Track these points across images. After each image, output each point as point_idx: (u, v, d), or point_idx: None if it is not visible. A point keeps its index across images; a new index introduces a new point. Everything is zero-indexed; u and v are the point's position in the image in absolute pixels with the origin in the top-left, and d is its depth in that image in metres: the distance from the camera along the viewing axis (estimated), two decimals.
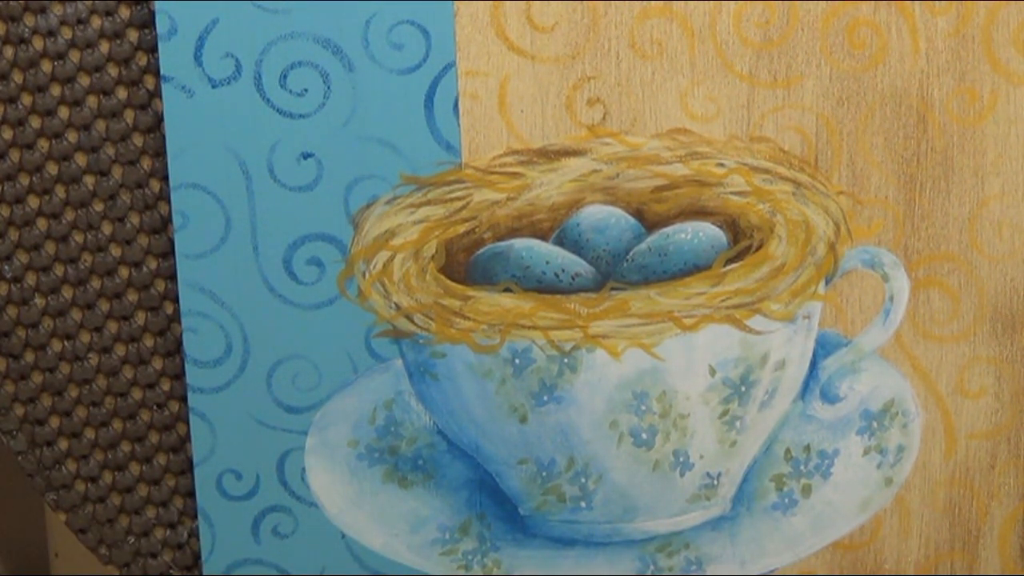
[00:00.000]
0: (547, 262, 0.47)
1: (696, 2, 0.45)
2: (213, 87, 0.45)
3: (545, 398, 0.47)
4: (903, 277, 0.47)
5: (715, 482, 0.49)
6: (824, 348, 0.48)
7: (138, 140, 0.47)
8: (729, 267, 0.46)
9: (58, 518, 0.50)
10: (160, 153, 0.47)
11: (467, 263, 0.47)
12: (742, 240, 0.47)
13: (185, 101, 0.45)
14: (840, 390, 0.48)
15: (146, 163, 0.47)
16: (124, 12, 0.46)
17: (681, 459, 0.48)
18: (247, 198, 0.46)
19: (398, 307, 0.47)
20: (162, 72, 0.45)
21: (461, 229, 0.46)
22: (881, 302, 0.48)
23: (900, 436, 0.49)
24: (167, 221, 0.47)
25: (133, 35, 0.46)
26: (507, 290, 0.47)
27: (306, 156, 0.46)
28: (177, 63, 0.45)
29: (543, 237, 0.47)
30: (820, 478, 0.49)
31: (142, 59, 0.46)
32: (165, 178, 0.47)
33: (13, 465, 0.49)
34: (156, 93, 0.46)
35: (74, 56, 0.46)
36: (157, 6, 0.45)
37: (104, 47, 0.46)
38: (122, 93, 0.46)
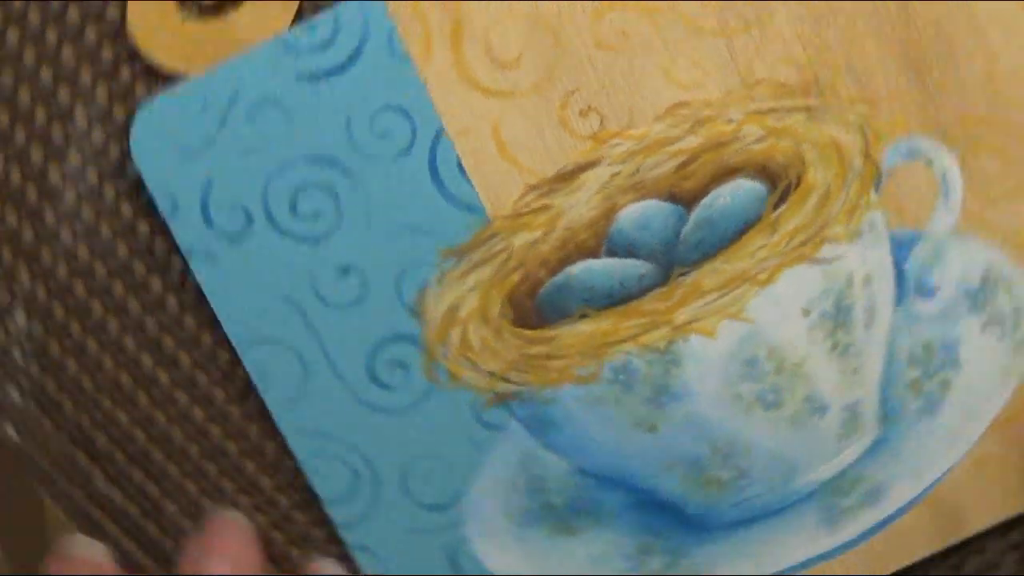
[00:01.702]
0: (608, 276, 0.47)
1: None
2: (232, 243, 0.46)
3: (663, 400, 0.47)
4: (945, 155, 0.46)
5: (855, 412, 0.48)
6: (901, 249, 0.47)
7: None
8: (778, 211, 0.46)
9: (58, 518, 0.50)
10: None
11: (535, 307, 0.47)
12: (780, 182, 0.46)
13: (214, 267, 0.46)
14: (933, 282, 0.47)
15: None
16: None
17: (815, 404, 0.48)
18: (309, 331, 0.47)
19: (491, 374, 0.47)
20: (182, 248, 0.46)
21: (516, 278, 0.47)
22: (936, 186, 0.47)
23: (1009, 300, 0.48)
24: (248, 382, 0.48)
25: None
26: (583, 316, 0.47)
27: (345, 271, 0.47)
28: (192, 234, 0.46)
29: (594, 254, 0.47)
30: (951, 370, 0.48)
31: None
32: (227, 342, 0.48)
33: (13, 465, 0.50)
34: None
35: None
36: (152, 189, 0.46)
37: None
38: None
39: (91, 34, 0.47)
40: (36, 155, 0.47)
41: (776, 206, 0.46)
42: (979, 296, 0.48)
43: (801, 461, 0.48)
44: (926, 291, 0.47)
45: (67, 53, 0.47)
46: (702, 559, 0.50)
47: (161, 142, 0.45)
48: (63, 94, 0.47)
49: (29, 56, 0.47)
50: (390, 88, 0.45)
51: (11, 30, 0.47)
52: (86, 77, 0.47)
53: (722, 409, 0.47)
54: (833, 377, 0.47)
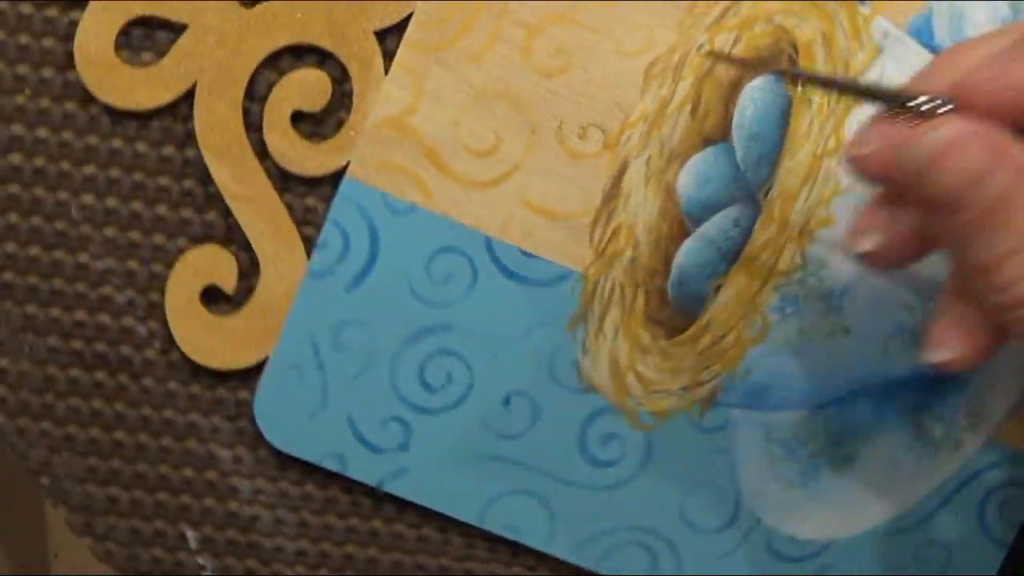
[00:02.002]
0: (711, 242, 0.46)
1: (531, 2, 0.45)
2: (402, 449, 0.48)
3: (837, 301, 0.47)
4: None
5: None
6: (923, 34, 0.46)
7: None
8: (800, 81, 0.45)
9: (58, 518, 0.50)
10: None
11: (675, 311, 0.47)
12: (781, 60, 0.46)
13: (407, 476, 0.48)
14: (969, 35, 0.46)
15: None
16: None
17: None
18: (526, 471, 0.48)
19: (684, 389, 0.47)
20: (375, 485, 0.48)
21: (641, 301, 0.47)
22: None
23: None
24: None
25: None
26: (718, 288, 0.47)
27: (507, 401, 0.48)
28: (372, 468, 0.48)
29: (685, 234, 0.47)
30: None
31: None
32: None
33: (13, 465, 0.50)
34: None
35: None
36: (318, 461, 0.48)
37: None
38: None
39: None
40: None
41: (806, 86, 0.45)
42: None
43: None
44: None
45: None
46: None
47: (292, 423, 0.47)
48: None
49: None
50: (421, 239, 0.46)
51: None
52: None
53: (886, 274, 0.47)
54: None
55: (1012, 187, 0.35)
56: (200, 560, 0.49)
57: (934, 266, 0.46)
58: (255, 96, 0.46)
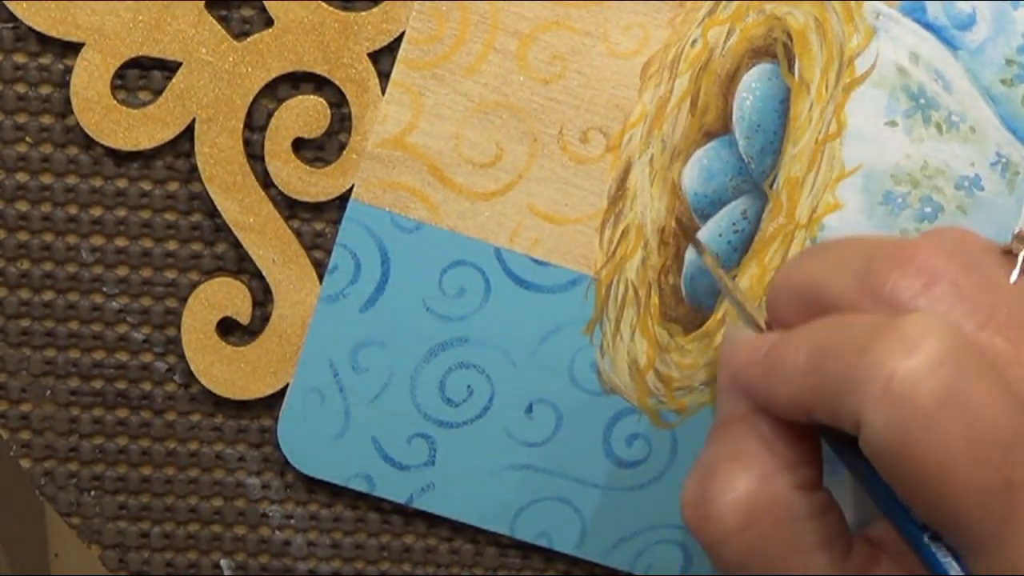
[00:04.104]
0: (720, 235, 0.46)
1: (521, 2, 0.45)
2: (429, 464, 0.48)
3: None
4: None
5: (1008, 163, 0.46)
6: (916, 11, 0.46)
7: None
8: (797, 70, 0.45)
9: (58, 518, 0.50)
10: None
11: (691, 307, 0.47)
12: (776, 48, 0.45)
13: (434, 492, 0.48)
14: (965, 9, 0.46)
15: None
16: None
17: (964, 184, 0.46)
18: (555, 477, 0.48)
19: (706, 383, 0.47)
20: (404, 503, 0.48)
21: (656, 299, 0.47)
22: None
23: None
24: None
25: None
26: (732, 279, 0.47)
27: (529, 410, 0.48)
28: (401, 486, 0.48)
29: (695, 229, 0.47)
30: None
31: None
32: None
33: (13, 465, 0.50)
34: None
35: None
36: (345, 483, 0.48)
37: None
38: None
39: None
40: None
41: (791, 68, 0.45)
42: None
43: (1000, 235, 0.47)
44: (963, 22, 0.46)
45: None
46: None
47: (317, 447, 0.48)
48: None
49: None
50: (431, 255, 0.46)
51: None
52: None
53: None
54: (962, 152, 0.46)
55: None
56: None
57: None
58: (255, 126, 0.46)
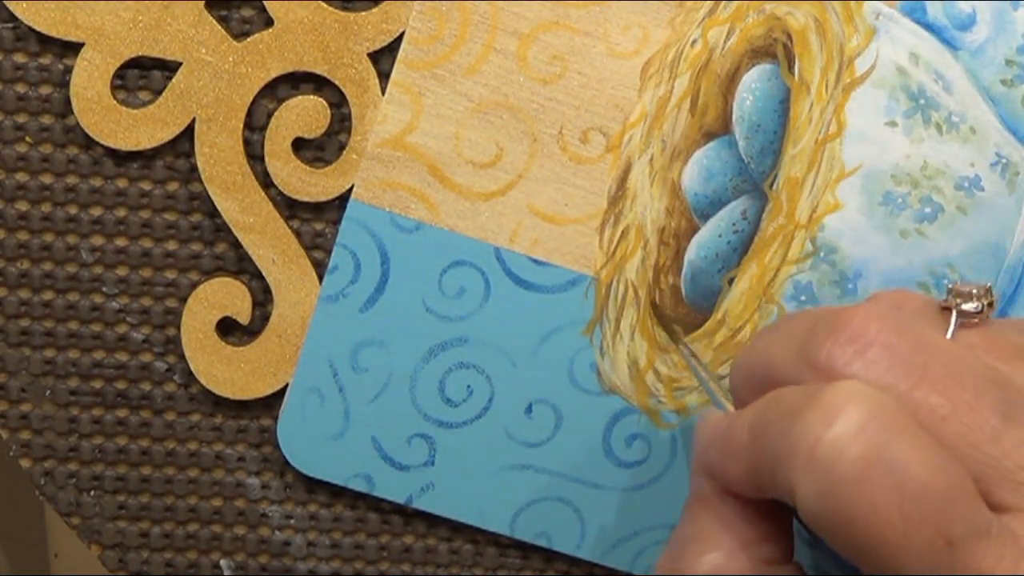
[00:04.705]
0: (719, 235, 0.47)
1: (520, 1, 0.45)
2: (428, 464, 0.48)
3: (851, 284, 0.47)
4: None
5: (1008, 163, 0.46)
6: (915, 12, 0.46)
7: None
8: (796, 69, 0.45)
9: (58, 518, 0.50)
10: None
11: (690, 307, 0.47)
12: (775, 48, 0.45)
13: (435, 492, 0.48)
14: (964, 9, 0.46)
15: None
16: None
17: (964, 185, 0.46)
18: (554, 478, 0.48)
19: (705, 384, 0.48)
20: (404, 502, 0.48)
21: (656, 299, 0.47)
22: None
23: None
24: None
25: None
26: (731, 281, 0.47)
27: (529, 409, 0.48)
28: (400, 486, 0.48)
29: (695, 230, 0.47)
30: None
31: None
32: None
33: (13, 465, 0.50)
34: None
35: None
36: (345, 483, 0.48)
37: None
38: None
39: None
40: None
41: (791, 68, 0.45)
42: None
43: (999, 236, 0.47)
44: (963, 22, 0.46)
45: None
46: None
47: (317, 447, 0.48)
48: None
49: None
50: (431, 256, 0.46)
51: None
52: None
53: (898, 255, 0.46)
54: (962, 152, 0.46)
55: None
56: None
57: (948, 245, 0.46)
58: (255, 126, 0.46)
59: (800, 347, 0.37)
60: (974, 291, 0.38)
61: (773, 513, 0.38)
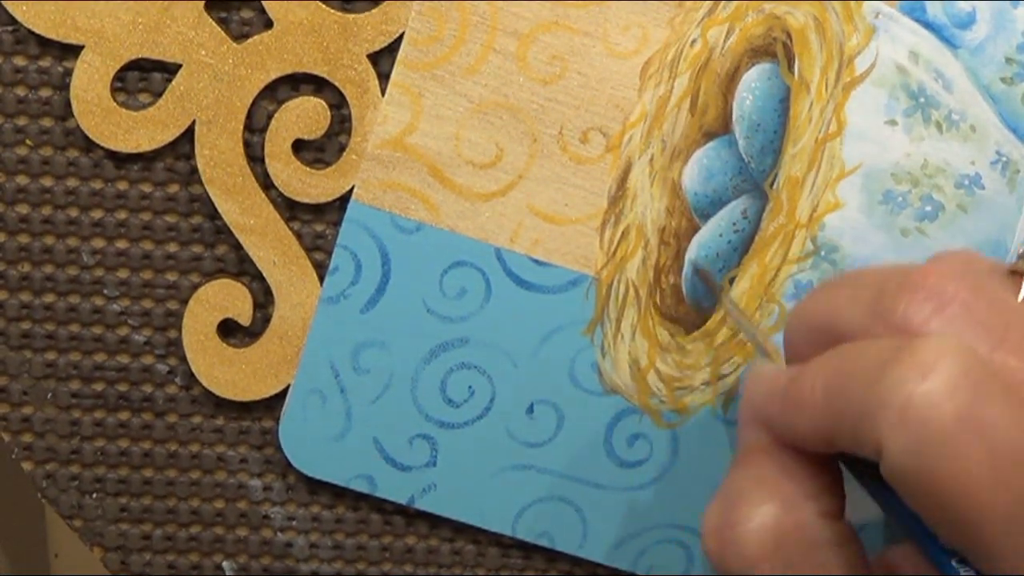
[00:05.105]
0: (720, 235, 0.47)
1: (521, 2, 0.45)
2: (430, 465, 0.48)
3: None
4: None
5: (1008, 162, 0.46)
6: (915, 11, 0.46)
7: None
8: (796, 68, 0.45)
9: (59, 518, 0.50)
10: None
11: (691, 306, 0.47)
12: (775, 47, 0.45)
13: (437, 493, 0.48)
14: (964, 8, 0.46)
15: None
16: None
17: (965, 183, 0.46)
18: (558, 479, 0.48)
19: (706, 383, 0.47)
20: (406, 503, 0.48)
21: (656, 299, 0.47)
22: None
23: None
24: None
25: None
26: (732, 280, 0.47)
27: (531, 409, 0.48)
28: (403, 487, 0.48)
29: (695, 229, 0.47)
30: None
31: None
32: None
33: (13, 465, 0.50)
34: None
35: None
36: (348, 485, 0.48)
37: None
38: None
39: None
40: None
41: (791, 67, 0.45)
42: None
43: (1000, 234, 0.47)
44: (963, 20, 0.46)
45: None
46: None
47: (318, 448, 0.48)
48: None
49: None
50: (431, 256, 0.46)
51: None
52: None
53: (899, 254, 0.46)
54: (962, 150, 0.46)
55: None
56: None
57: (949, 243, 0.46)
58: (255, 128, 0.46)
59: (871, 305, 0.36)
60: None
61: (830, 468, 0.37)
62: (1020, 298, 0.37)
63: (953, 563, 0.34)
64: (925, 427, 0.33)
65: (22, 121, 0.46)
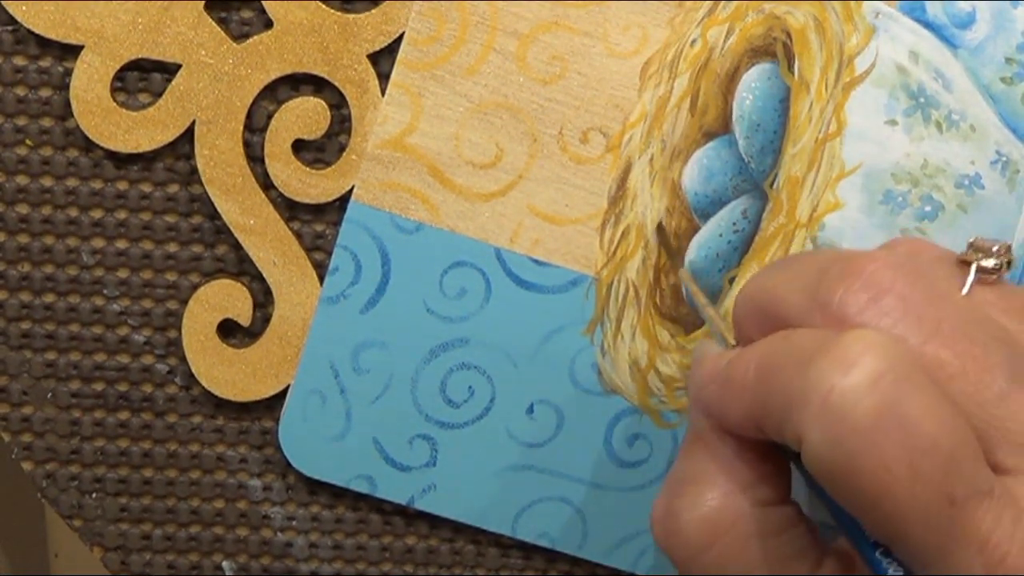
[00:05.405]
0: (719, 235, 0.47)
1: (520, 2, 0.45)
2: (430, 465, 0.48)
3: None
4: None
5: (1009, 162, 0.46)
6: (915, 11, 0.46)
7: None
8: (796, 68, 0.45)
9: (59, 518, 0.50)
10: None
11: (691, 309, 0.47)
12: (775, 47, 0.45)
13: (436, 492, 0.48)
14: (964, 8, 0.46)
15: None
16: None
17: (964, 183, 0.46)
18: (554, 477, 0.48)
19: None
20: (405, 503, 0.48)
21: (656, 299, 0.47)
22: None
23: None
24: None
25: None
26: (731, 280, 0.47)
27: (531, 410, 0.48)
28: (402, 488, 0.48)
29: (695, 229, 0.47)
30: None
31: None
32: None
33: (13, 465, 0.50)
34: None
35: None
36: (349, 485, 0.48)
37: None
38: None
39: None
40: None
41: (791, 67, 0.45)
42: None
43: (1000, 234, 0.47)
44: (963, 20, 0.46)
45: None
46: None
47: (318, 449, 0.48)
48: None
49: None
50: (431, 256, 0.46)
51: None
52: None
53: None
54: (962, 150, 0.46)
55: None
56: None
57: (949, 243, 0.46)
58: (255, 128, 0.46)
59: (811, 288, 0.36)
60: (995, 248, 0.37)
61: (771, 453, 0.37)
62: (964, 290, 0.37)
63: (877, 554, 0.35)
64: (844, 421, 0.33)
65: (22, 121, 0.46)
